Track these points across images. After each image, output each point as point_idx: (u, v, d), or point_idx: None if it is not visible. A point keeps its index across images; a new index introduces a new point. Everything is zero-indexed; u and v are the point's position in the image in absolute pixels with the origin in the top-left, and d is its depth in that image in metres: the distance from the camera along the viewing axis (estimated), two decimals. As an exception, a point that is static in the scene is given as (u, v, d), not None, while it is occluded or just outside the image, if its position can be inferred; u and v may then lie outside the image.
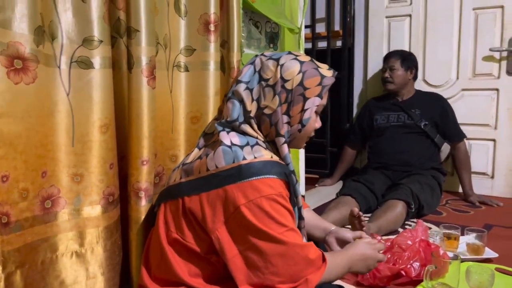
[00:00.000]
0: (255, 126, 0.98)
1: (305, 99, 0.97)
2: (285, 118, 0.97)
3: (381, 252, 1.11)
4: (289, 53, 1.01)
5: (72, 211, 1.03)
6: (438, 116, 2.37)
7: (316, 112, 1.01)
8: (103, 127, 1.04)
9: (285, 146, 0.97)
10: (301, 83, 0.96)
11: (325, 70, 1.00)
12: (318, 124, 1.04)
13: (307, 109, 0.97)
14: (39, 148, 0.94)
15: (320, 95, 0.98)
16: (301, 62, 0.98)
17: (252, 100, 0.98)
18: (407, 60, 2.43)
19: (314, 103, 0.97)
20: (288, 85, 0.96)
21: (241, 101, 0.98)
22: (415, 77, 2.49)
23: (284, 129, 0.97)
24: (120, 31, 1.12)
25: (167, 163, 1.29)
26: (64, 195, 1.01)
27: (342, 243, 1.18)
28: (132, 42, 1.08)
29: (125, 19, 1.10)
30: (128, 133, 1.13)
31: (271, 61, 0.98)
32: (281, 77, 0.96)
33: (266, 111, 0.97)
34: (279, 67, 0.97)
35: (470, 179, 2.38)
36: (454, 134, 2.39)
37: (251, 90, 0.98)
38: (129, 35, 1.08)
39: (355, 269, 1.05)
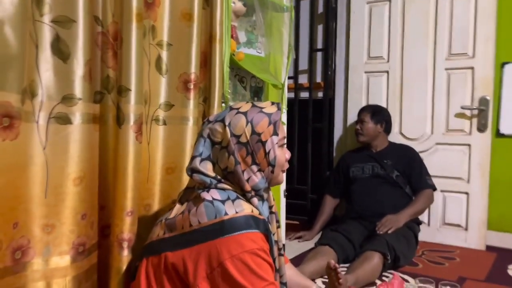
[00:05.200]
0: (229, 182, 1.03)
1: (263, 143, 1.01)
2: (255, 168, 1.02)
3: None
4: (231, 108, 1.07)
5: (41, 261, 1.04)
6: (407, 165, 2.42)
7: (280, 146, 1.06)
8: (77, 179, 1.08)
9: (254, 199, 1.02)
10: (253, 132, 1.01)
11: (269, 108, 1.05)
12: (287, 155, 1.09)
13: (269, 151, 1.02)
14: (13, 200, 0.96)
15: (275, 132, 1.03)
16: (245, 113, 1.03)
17: (213, 165, 1.04)
18: (377, 114, 2.52)
19: (273, 142, 1.02)
20: (242, 139, 1.01)
21: (203, 173, 1.03)
22: (386, 130, 2.55)
23: (248, 185, 1.02)
24: (108, 87, 1.19)
25: (141, 212, 1.32)
26: (33, 246, 1.02)
27: None
28: (122, 99, 1.16)
29: (114, 76, 1.18)
30: (113, 185, 1.17)
31: (217, 124, 1.04)
32: (232, 135, 1.01)
33: (229, 170, 1.02)
34: (226, 127, 1.02)
35: (409, 212, 2.25)
36: (418, 182, 2.37)
37: (207, 158, 1.04)
38: (120, 93, 1.16)
39: None
